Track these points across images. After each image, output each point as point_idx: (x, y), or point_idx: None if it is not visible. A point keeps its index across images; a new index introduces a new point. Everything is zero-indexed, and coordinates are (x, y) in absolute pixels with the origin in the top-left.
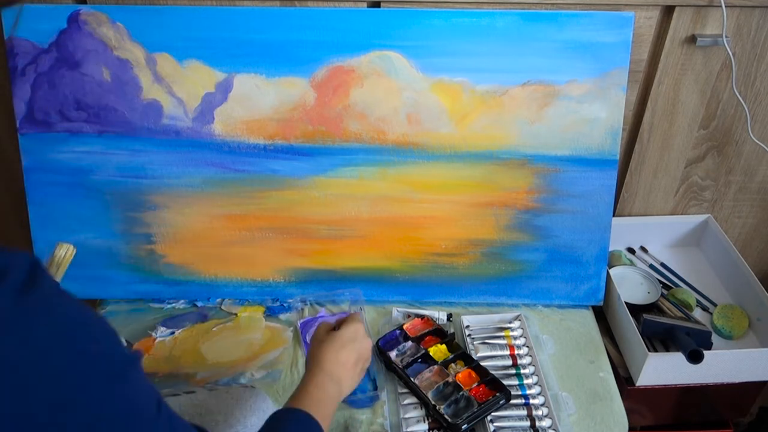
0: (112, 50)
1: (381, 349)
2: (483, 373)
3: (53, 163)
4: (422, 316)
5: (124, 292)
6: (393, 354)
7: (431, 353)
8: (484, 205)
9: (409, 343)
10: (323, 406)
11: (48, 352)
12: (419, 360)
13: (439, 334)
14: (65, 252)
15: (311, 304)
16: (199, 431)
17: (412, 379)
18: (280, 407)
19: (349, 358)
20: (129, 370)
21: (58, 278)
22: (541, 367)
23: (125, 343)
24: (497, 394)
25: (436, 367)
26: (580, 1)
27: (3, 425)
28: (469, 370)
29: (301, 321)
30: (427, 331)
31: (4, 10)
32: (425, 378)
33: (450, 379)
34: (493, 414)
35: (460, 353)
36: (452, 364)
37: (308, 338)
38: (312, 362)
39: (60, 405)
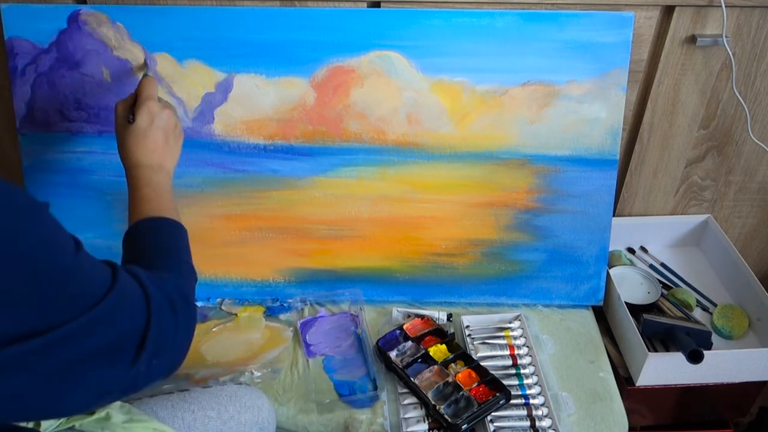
0: (112, 50)
1: (381, 349)
2: (483, 373)
3: (53, 163)
4: (422, 316)
5: None
6: (393, 354)
7: (431, 353)
8: (484, 205)
9: (409, 343)
10: (161, 199)
11: None
12: (419, 360)
13: (439, 334)
14: None
15: (311, 304)
16: (110, 266)
17: (412, 379)
18: (276, 405)
19: (156, 140)
20: (42, 210)
21: None
22: (541, 367)
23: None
24: (497, 394)
25: (436, 367)
26: (580, 1)
27: None
28: (469, 370)
29: (301, 321)
30: (427, 331)
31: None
32: (425, 378)
33: (450, 379)
34: (493, 414)
35: (460, 353)
36: (452, 364)
37: (308, 338)
38: (126, 164)
39: None
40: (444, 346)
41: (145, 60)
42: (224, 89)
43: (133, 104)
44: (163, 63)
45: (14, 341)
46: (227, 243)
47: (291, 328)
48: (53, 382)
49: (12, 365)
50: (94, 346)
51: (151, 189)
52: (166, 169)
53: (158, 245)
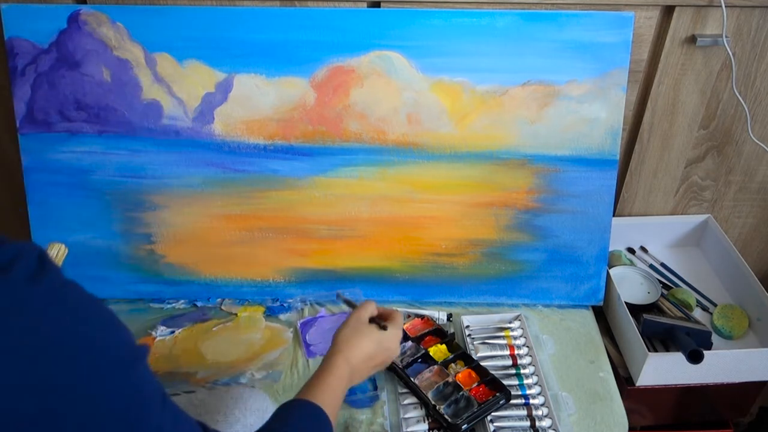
0: (112, 50)
1: None
2: (483, 373)
3: (53, 163)
4: (422, 316)
5: (124, 292)
6: None
7: (431, 353)
8: (484, 205)
9: (409, 343)
10: (335, 397)
11: (58, 339)
12: (419, 360)
13: (439, 334)
14: (57, 252)
15: (311, 304)
16: (203, 428)
17: (412, 379)
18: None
19: (376, 360)
20: (136, 361)
21: None
22: (541, 367)
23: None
24: (497, 394)
25: (436, 367)
26: (580, 1)
27: (15, 413)
28: (469, 370)
29: (301, 321)
30: (427, 331)
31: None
32: (425, 378)
33: (450, 379)
34: (493, 414)
35: (460, 353)
36: (452, 364)
37: (308, 338)
38: (342, 348)
39: (68, 391)
40: (444, 346)
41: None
42: (224, 89)
43: (379, 315)
44: (163, 63)
45: None
46: (227, 243)
47: (291, 329)
48: None
49: None
50: None
51: (338, 384)
52: (354, 380)
53: (293, 426)
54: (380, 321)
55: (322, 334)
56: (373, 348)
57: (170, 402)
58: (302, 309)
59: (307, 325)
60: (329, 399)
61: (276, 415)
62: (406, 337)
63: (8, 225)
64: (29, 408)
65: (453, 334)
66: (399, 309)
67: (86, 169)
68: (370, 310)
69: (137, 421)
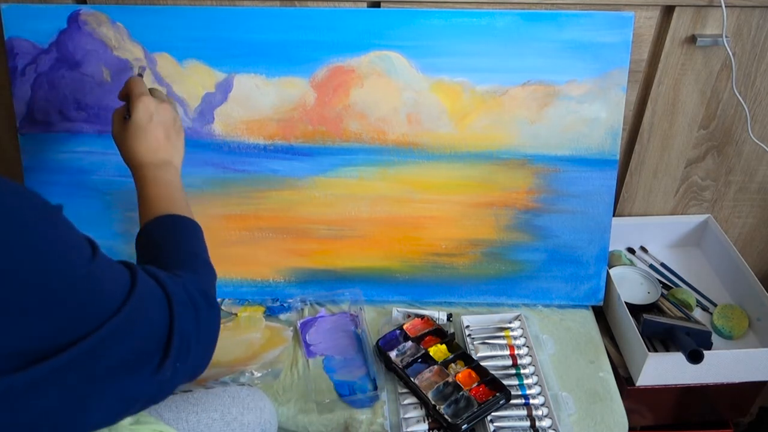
0: (112, 50)
1: (381, 349)
2: (483, 373)
3: (53, 163)
4: (422, 316)
5: None
6: (393, 354)
7: (431, 353)
8: (484, 205)
9: (409, 343)
10: (171, 197)
11: None
12: (419, 360)
13: (439, 334)
14: None
15: (311, 304)
16: (127, 267)
17: (412, 379)
18: (276, 405)
19: (157, 137)
20: (56, 215)
21: None
22: (541, 367)
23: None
24: (497, 394)
25: (436, 367)
26: (580, 1)
27: None
28: (469, 370)
29: (301, 321)
30: (427, 331)
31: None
32: (425, 378)
33: (450, 379)
34: (493, 414)
35: (460, 353)
36: (452, 364)
37: (308, 338)
38: (131, 164)
39: None
40: (444, 346)
41: (140, 67)
42: (224, 89)
43: (127, 105)
44: (163, 63)
45: (36, 360)
46: (227, 243)
47: (291, 328)
48: (78, 399)
49: (35, 385)
50: (118, 356)
51: (160, 187)
52: (174, 165)
53: (172, 243)
54: (127, 113)
55: (322, 334)
56: (142, 136)
57: (102, 254)
58: (302, 309)
59: (307, 325)
60: (162, 206)
61: (139, 249)
62: (406, 337)
63: None
64: None
65: (453, 334)
66: (399, 309)
67: (86, 169)
68: (115, 117)
69: (58, 270)
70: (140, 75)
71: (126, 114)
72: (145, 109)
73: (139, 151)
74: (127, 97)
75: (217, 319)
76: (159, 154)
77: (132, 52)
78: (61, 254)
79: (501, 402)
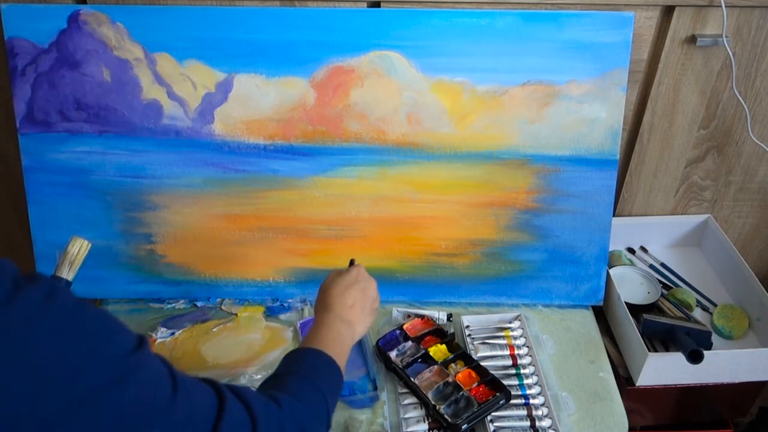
0: (112, 50)
1: (381, 349)
2: (483, 373)
3: (53, 163)
4: (422, 316)
5: (124, 292)
6: (393, 354)
7: (431, 353)
8: (484, 205)
9: (409, 343)
10: (336, 345)
11: (44, 361)
12: (419, 360)
13: (439, 334)
14: (79, 248)
15: (311, 304)
16: (212, 386)
17: (412, 379)
18: None
19: (356, 298)
20: (135, 366)
21: (72, 275)
22: (541, 367)
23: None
24: (497, 394)
25: (436, 367)
26: (580, 1)
27: (19, 422)
28: (469, 370)
29: (301, 321)
30: (427, 331)
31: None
32: (425, 378)
33: (450, 379)
34: (493, 414)
35: (460, 353)
36: (452, 364)
37: None
38: (320, 307)
39: (74, 404)
40: (444, 346)
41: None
42: (224, 89)
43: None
44: (163, 63)
45: None
46: (227, 243)
47: (291, 328)
48: None
49: None
50: None
51: (336, 335)
52: (355, 330)
53: (312, 372)
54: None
55: None
56: (343, 289)
57: (181, 380)
58: (302, 309)
59: (307, 325)
60: (331, 349)
61: (286, 361)
62: (406, 337)
63: (8, 225)
64: (34, 422)
65: (453, 334)
66: (399, 309)
67: (86, 169)
68: (332, 274)
69: (151, 419)
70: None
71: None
72: (359, 273)
73: (336, 301)
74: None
75: None
76: (349, 312)
77: (132, 52)
78: (137, 407)
79: (501, 402)
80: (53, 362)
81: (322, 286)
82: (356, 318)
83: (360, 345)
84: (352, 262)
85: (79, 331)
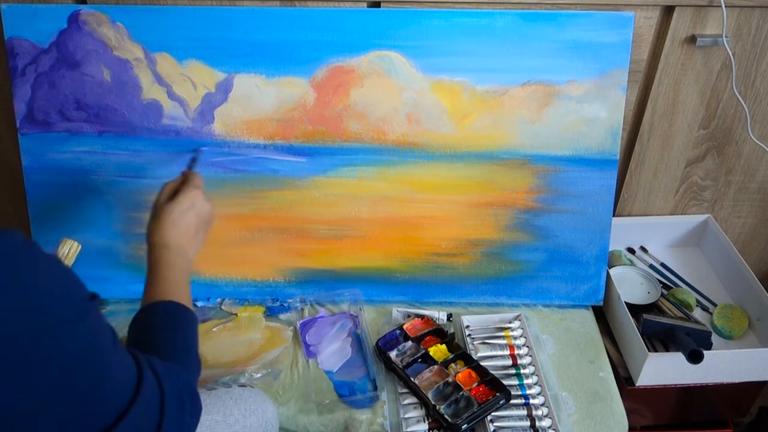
0: (112, 50)
1: (381, 349)
2: (483, 373)
3: (53, 163)
4: (422, 316)
5: (124, 292)
6: (393, 354)
7: (431, 353)
8: (484, 205)
9: (409, 343)
10: (180, 286)
11: (11, 293)
12: (419, 360)
13: (439, 334)
14: (69, 248)
15: (311, 304)
16: (136, 363)
17: (412, 379)
18: (276, 405)
19: (189, 226)
20: (84, 318)
21: None
22: (541, 367)
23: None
24: (497, 394)
25: (436, 367)
26: (580, 1)
27: None
28: (469, 370)
29: (301, 321)
30: (427, 331)
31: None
32: (425, 378)
33: (450, 379)
34: (493, 414)
35: (460, 353)
36: (452, 364)
37: (308, 338)
38: (154, 239)
39: (24, 341)
40: (444, 346)
41: (197, 150)
42: (224, 89)
43: (178, 188)
44: (163, 63)
45: None
46: (227, 243)
47: (291, 328)
48: None
49: None
50: None
51: (173, 272)
52: (189, 256)
53: (173, 333)
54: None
55: (322, 334)
56: (178, 220)
57: (120, 344)
58: (302, 309)
59: (306, 325)
60: (172, 291)
61: (135, 327)
62: (406, 337)
63: (8, 225)
64: None
65: (453, 334)
66: (399, 309)
67: (86, 169)
68: (165, 193)
69: (88, 370)
70: (194, 159)
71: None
72: (192, 198)
73: (169, 232)
74: (183, 180)
75: (198, 414)
76: (182, 241)
77: (132, 52)
78: (92, 345)
79: (501, 402)
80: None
81: (154, 210)
82: (189, 246)
83: (360, 345)
84: (197, 151)
85: (43, 276)
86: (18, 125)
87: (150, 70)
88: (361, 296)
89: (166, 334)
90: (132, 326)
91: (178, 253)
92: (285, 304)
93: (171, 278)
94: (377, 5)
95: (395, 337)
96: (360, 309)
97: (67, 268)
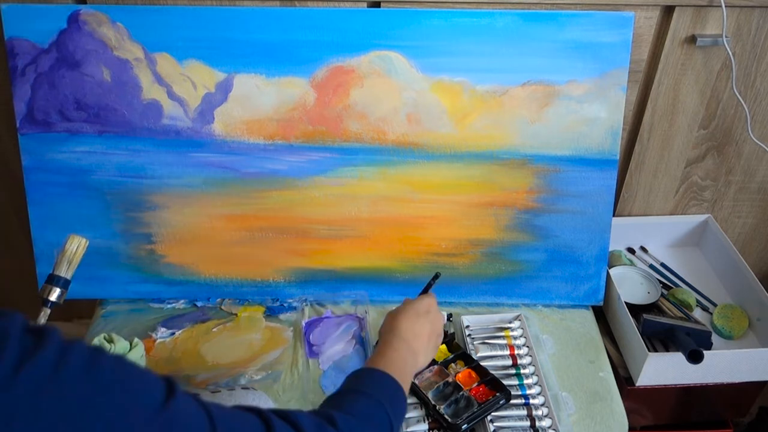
0: (112, 50)
1: None
2: (483, 373)
3: (53, 163)
4: None
5: (124, 292)
6: None
7: None
8: (484, 205)
9: None
10: (400, 371)
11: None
12: None
13: None
14: (77, 245)
15: (311, 304)
16: (256, 413)
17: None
18: (278, 406)
19: (424, 329)
20: (170, 420)
21: (70, 273)
22: (541, 367)
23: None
24: (497, 394)
25: (436, 367)
26: (580, 1)
27: None
28: (469, 370)
29: (306, 321)
30: None
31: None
32: (425, 378)
33: (450, 379)
34: (493, 414)
35: (460, 353)
36: (452, 364)
37: (312, 338)
38: (388, 330)
39: None
40: (444, 346)
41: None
42: (224, 89)
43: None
44: (163, 63)
45: None
46: (227, 243)
47: (291, 328)
48: None
49: None
50: None
51: (401, 361)
52: (418, 360)
53: (372, 390)
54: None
55: (327, 334)
56: (412, 315)
57: (216, 414)
58: (302, 309)
59: (311, 325)
60: (387, 366)
61: (350, 379)
62: None
63: (8, 225)
64: None
65: (453, 334)
66: None
67: (86, 169)
68: (407, 301)
69: None
70: (430, 284)
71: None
72: (429, 304)
73: (406, 326)
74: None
75: None
76: (416, 341)
77: (132, 52)
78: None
79: (501, 402)
80: None
81: (393, 312)
82: (421, 348)
83: (363, 348)
84: (436, 276)
85: (100, 395)
86: (18, 125)
87: (150, 70)
88: (366, 298)
89: (370, 391)
90: (351, 375)
91: (408, 348)
92: (285, 304)
93: (395, 361)
94: (377, 5)
95: None
96: (366, 311)
97: (127, 366)
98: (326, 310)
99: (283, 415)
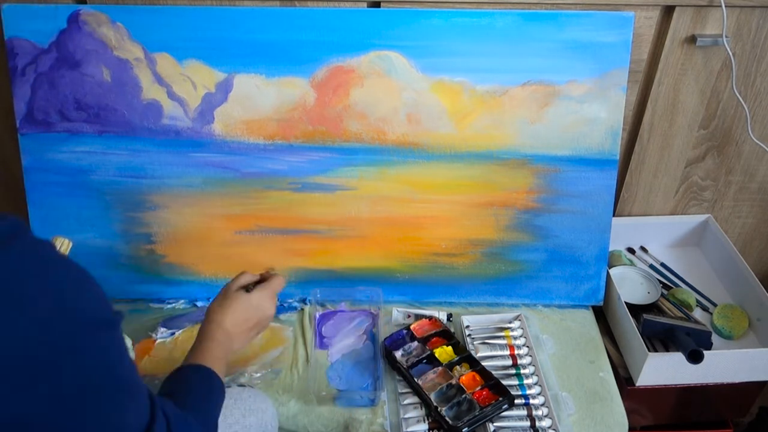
0: (112, 50)
1: (387, 348)
2: (487, 377)
3: (53, 163)
4: (429, 317)
5: (124, 292)
6: (398, 353)
7: (436, 355)
8: (484, 205)
9: (415, 343)
10: (220, 363)
11: (32, 300)
12: (424, 361)
13: (445, 335)
14: (60, 246)
15: (311, 304)
16: (150, 397)
17: (415, 379)
18: (276, 405)
19: (248, 321)
20: (119, 323)
21: None
22: (541, 367)
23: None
24: (500, 398)
25: (440, 368)
26: (580, 1)
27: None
28: (474, 373)
29: (320, 313)
30: (434, 332)
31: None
32: (429, 379)
33: (454, 382)
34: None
35: (466, 356)
36: (457, 367)
37: (324, 330)
38: (214, 317)
39: (38, 345)
40: (450, 348)
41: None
42: (224, 89)
43: (257, 282)
44: (163, 63)
45: None
46: (227, 243)
47: (291, 328)
48: None
49: None
50: None
51: (219, 350)
52: (234, 345)
53: (202, 394)
54: (249, 287)
55: (339, 327)
56: (241, 311)
57: (138, 374)
58: (302, 309)
59: (325, 317)
60: (213, 363)
61: (169, 379)
62: (412, 338)
63: None
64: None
65: (454, 334)
66: (399, 309)
67: (86, 169)
68: (241, 280)
69: (103, 382)
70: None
71: (251, 286)
72: (267, 300)
73: (229, 317)
74: (262, 280)
75: None
76: (236, 330)
77: (132, 52)
78: (119, 359)
79: (503, 407)
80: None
81: (226, 292)
82: (239, 339)
83: (373, 343)
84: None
85: (70, 282)
86: (18, 125)
87: (150, 70)
88: (381, 295)
89: (197, 393)
90: (168, 379)
91: (229, 338)
92: (285, 304)
93: (215, 353)
94: (377, 5)
95: (402, 336)
96: (379, 308)
97: (87, 274)
98: (341, 303)
99: (164, 411)
